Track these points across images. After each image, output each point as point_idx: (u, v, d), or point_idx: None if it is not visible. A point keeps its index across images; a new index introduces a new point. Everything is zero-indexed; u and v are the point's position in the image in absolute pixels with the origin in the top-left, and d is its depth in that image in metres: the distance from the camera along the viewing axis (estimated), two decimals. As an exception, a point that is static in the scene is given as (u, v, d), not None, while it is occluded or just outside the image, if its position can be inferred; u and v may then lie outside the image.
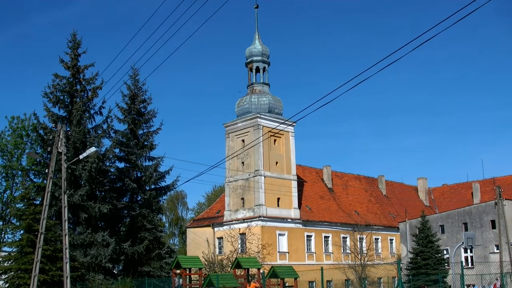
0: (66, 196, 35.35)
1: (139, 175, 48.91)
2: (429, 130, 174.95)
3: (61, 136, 34.86)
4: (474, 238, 49.51)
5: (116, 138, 48.10)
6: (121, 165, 49.14)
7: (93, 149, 36.96)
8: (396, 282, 18.29)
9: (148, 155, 49.65)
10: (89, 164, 42.79)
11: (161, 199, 51.70)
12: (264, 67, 70.49)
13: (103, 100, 47.64)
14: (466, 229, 59.92)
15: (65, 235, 34.68)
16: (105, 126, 47.49)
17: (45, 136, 45.91)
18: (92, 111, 47.51)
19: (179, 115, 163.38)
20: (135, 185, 47.39)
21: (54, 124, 44.88)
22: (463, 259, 57.13)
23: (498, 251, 56.59)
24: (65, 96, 46.52)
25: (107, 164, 47.36)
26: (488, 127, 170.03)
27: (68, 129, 44.78)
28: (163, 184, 50.10)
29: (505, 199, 58.35)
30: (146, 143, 49.57)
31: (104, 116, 47.48)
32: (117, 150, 48.31)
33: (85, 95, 46.87)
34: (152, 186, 49.40)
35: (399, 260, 24.31)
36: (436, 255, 58.76)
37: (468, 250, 58.74)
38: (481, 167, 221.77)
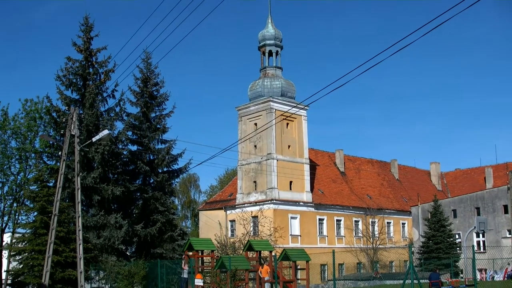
0: (79, 179, 35.57)
1: (151, 158, 49.04)
2: (442, 114, 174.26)
3: (74, 119, 35.01)
4: (486, 223, 49.46)
5: (128, 121, 48.20)
6: (134, 148, 49.34)
7: (105, 131, 37.13)
8: (408, 265, 18.26)
9: (160, 138, 49.78)
10: (102, 146, 42.96)
11: (173, 181, 51.87)
12: (277, 51, 70.31)
13: (116, 83, 47.78)
14: (478, 214, 59.85)
15: (78, 217, 34.94)
16: (117, 109, 47.63)
17: (58, 119, 46.08)
18: (104, 94, 47.66)
19: (192, 99, 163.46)
20: (148, 167, 47.54)
21: (67, 107, 45.02)
22: (475, 244, 57.01)
23: (510, 236, 56.54)
24: (78, 79, 46.64)
25: (120, 146, 47.52)
26: (502, 112, 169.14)
27: (81, 111, 44.93)
28: (175, 167, 50.28)
29: (517, 184, 58.20)
30: (158, 126, 49.67)
31: (117, 99, 47.64)
32: (129, 133, 48.48)
33: (98, 78, 46.95)
34: (165, 169, 49.53)
35: (411, 244, 24.29)
36: (448, 239, 58.80)
37: (480, 235, 58.68)
38: (494, 152, 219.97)
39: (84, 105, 45.49)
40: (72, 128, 34.91)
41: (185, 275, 30.53)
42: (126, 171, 47.64)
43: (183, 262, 31.46)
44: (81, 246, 34.82)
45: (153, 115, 49.97)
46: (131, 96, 49.18)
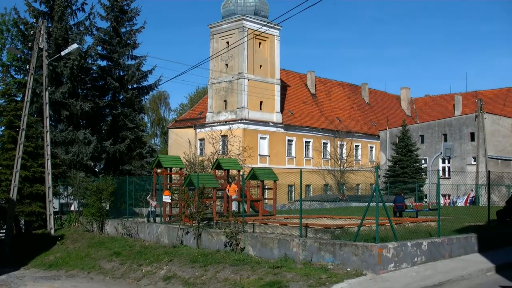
0: (47, 93, 35.23)
1: (121, 73, 48.50)
2: (414, 40, 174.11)
3: (42, 32, 34.37)
4: (452, 149, 50.17)
5: (98, 35, 47.43)
6: (103, 63, 48.71)
7: (75, 45, 36.59)
8: (373, 188, 18.52)
9: (130, 53, 49.14)
10: (71, 61, 42.32)
11: (143, 98, 51.56)
12: (252, -32, 69.08)
13: (86, -5, 46.68)
14: (445, 140, 60.61)
15: (47, 132, 34.79)
16: (87, 23, 46.71)
17: (26, 32, 45.08)
18: (74, 7, 46.51)
19: (163, 15, 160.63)
20: (117, 83, 47.09)
21: (35, 20, 44.01)
22: (440, 169, 58.00)
23: (475, 163, 57.48)
24: (47, -9, 45.43)
25: (89, 61, 46.87)
26: (474, 40, 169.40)
27: (50, 25, 43.94)
28: (145, 83, 49.81)
29: (486, 112, 58.82)
30: (128, 41, 48.96)
31: (87, 13, 46.60)
32: (99, 48, 47.74)
33: (67, -10, 45.79)
34: (135, 85, 49.09)
35: (377, 167, 24.58)
36: (414, 164, 59.74)
37: (446, 161, 59.59)
38: (464, 80, 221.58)
39: (52, 18, 44.48)
40: (40, 41, 34.30)
41: (153, 209, 30.78)
42: (95, 86, 47.11)
43: (150, 195, 31.59)
44: (49, 161, 34.79)
45: (123, 30, 49.17)
46: (101, 10, 48.41)
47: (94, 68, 47.70)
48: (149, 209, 31.20)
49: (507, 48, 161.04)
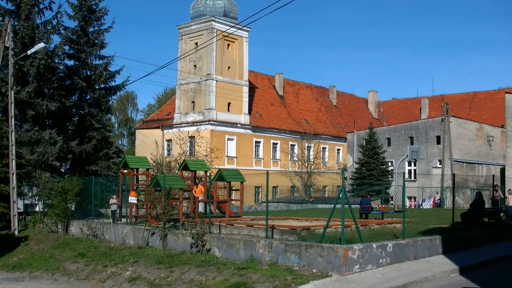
0: (12, 92, 34.83)
1: (88, 73, 48.07)
2: (382, 44, 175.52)
3: (8, 30, 34.02)
4: (418, 152, 50.65)
5: (66, 34, 46.95)
6: (71, 62, 48.20)
7: (41, 44, 36.23)
8: (339, 190, 18.65)
9: (98, 53, 48.73)
10: (37, 60, 41.81)
11: (110, 98, 51.11)
12: (221, -31, 69.06)
13: (53, -6, 46.15)
14: (412, 143, 61.13)
15: (12, 131, 34.39)
16: (54, 22, 46.13)
17: (-9, 30, 44.43)
18: (41, 6, 45.85)
19: (132, 15, 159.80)
20: (85, 83, 46.67)
21: (1, 18, 43.36)
22: (406, 171, 58.49)
23: (440, 166, 58.07)
24: (13, -11, 44.84)
25: (56, 61, 46.34)
26: (441, 45, 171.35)
27: (16, 23, 43.37)
28: (113, 83, 49.38)
29: (452, 116, 59.50)
30: (96, 41, 48.56)
31: (54, 12, 46.03)
32: (66, 47, 47.23)
33: (34, -12, 45.24)
34: (102, 86, 48.68)
35: (343, 169, 24.79)
36: (380, 166, 60.19)
37: (412, 164, 60.08)
38: (431, 84, 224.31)
39: (19, 16, 43.90)
40: (6, 39, 33.94)
41: (114, 208, 30.64)
42: (62, 86, 46.59)
43: (113, 197, 31.46)
44: (13, 161, 34.38)
45: (91, 29, 48.76)
46: (69, 9, 47.84)
47: (61, 67, 47.20)
48: (111, 209, 31.09)
49: (472, 53, 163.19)
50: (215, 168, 41.33)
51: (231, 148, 67.61)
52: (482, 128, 62.61)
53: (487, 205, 29.10)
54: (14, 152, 34.52)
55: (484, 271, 18.79)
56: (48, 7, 46.10)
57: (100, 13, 48.73)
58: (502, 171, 49.94)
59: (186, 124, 65.57)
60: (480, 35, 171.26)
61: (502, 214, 30.66)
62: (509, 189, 32.15)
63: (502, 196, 31.47)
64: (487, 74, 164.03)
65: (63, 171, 46.65)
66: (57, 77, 46.18)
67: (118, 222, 30.02)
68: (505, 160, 48.32)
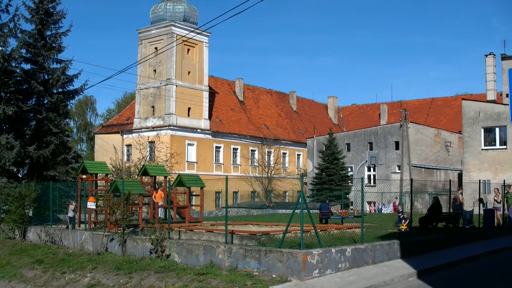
0: (-32, 96, 34.20)
1: (46, 77, 47.48)
2: (341, 50, 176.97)
3: (-37, 33, 33.43)
4: (377, 157, 51.10)
5: (23, 38, 46.26)
6: (28, 66, 47.49)
7: (-2, 48, 35.65)
8: (298, 195, 18.72)
9: (56, 57, 48.13)
10: (-7, 64, 41.19)
11: (68, 103, 50.51)
12: (181, -26, 68.97)
13: (10, -3, 45.49)
14: (371, 149, 61.68)
15: (-33, 135, 33.76)
16: (11, 25, 45.45)
17: None
18: (-2, 9, 45.33)
19: (91, 19, 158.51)
20: (42, 87, 46.08)
21: (-44, 20, 42.70)
22: (365, 177, 58.97)
23: (399, 171, 58.66)
24: (-32, -9, 44.11)
25: (13, 64, 45.61)
26: (399, 51, 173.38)
27: (-28, 26, 42.73)
28: (71, 88, 48.84)
29: (410, 121, 60.21)
30: (54, 44, 47.99)
31: (11, 15, 45.37)
32: (23, 51, 46.55)
33: (-10, -9, 44.57)
34: (60, 90, 48.11)
35: (302, 174, 24.91)
36: (340, 171, 60.60)
37: (372, 169, 60.64)
38: (390, 90, 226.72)
39: (-25, 19, 43.26)
40: (-39, 42, 33.36)
41: (70, 214, 30.34)
42: (19, 90, 45.91)
43: (72, 202, 31.17)
44: (-31, 165, 33.77)
45: (48, 33, 48.16)
46: (25, 12, 47.08)
47: (18, 71, 46.48)
48: (68, 215, 30.77)
49: (431, 60, 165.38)
50: (175, 173, 41.18)
51: (191, 153, 67.45)
52: (440, 134, 63.52)
53: (451, 209, 29.51)
54: (-31, 157, 33.93)
55: (441, 274, 19.03)
56: (5, 10, 45.43)
57: (58, 16, 48.15)
58: (460, 176, 50.72)
59: (146, 129, 65.24)
60: (439, 42, 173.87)
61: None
62: (460, 192, 32.72)
63: (462, 201, 31.91)
64: (444, 81, 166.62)
65: (20, 176, 45.96)
66: (14, 81, 45.44)
67: (78, 228, 29.67)
68: (462, 165, 49.14)
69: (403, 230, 26.43)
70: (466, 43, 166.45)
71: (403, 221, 28.28)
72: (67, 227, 29.80)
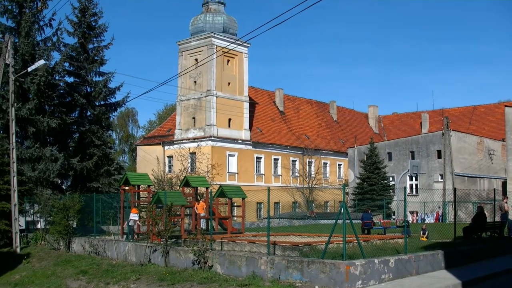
0: (13, 109, 34.87)
1: (88, 90, 48.20)
2: (382, 58, 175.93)
3: (9, 47, 34.10)
4: (419, 167, 50.56)
5: (65, 51, 46.99)
6: (71, 79, 48.29)
7: (42, 61, 36.24)
8: (341, 205, 18.63)
9: (98, 70, 48.83)
10: (37, 77, 41.88)
11: (111, 115, 51.23)
12: (220, -14, 69.47)
13: (53, 12, 46.47)
14: (412, 158, 61.04)
15: (13, 148, 34.36)
16: (54, 39, 46.24)
17: (-8, 47, 44.51)
18: (41, 23, 46.00)
19: (132, 31, 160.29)
20: (85, 100, 46.75)
21: (1, 35, 43.49)
22: (407, 186, 58.39)
23: (442, 180, 57.94)
24: (14, 6, 44.90)
25: (57, 78, 46.38)
26: (440, 59, 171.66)
27: (17, 40, 43.50)
28: (113, 100, 49.55)
29: (452, 130, 59.49)
30: (96, 57, 48.67)
31: (54, 29, 46.18)
32: (66, 64, 47.32)
33: (35, 5, 45.31)
34: (102, 102, 48.80)
35: (344, 184, 24.71)
36: (382, 181, 60.04)
37: (413, 178, 60.00)
38: (431, 98, 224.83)
39: (19, 33, 44.04)
40: (6, 57, 34.02)
41: (131, 223, 30.33)
42: (62, 103, 46.65)
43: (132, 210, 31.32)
44: (15, 178, 34.33)
45: (90, 46, 48.91)
46: (68, 26, 47.89)
47: (61, 84, 47.24)
48: (129, 224, 30.45)
49: (472, 67, 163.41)
50: (216, 184, 41.27)
51: (232, 164, 67.60)
52: (483, 142, 62.60)
53: (497, 218, 29.05)
54: (15, 169, 34.49)
55: (486, 285, 18.73)
56: (48, 24, 46.28)
57: (100, 29, 48.88)
58: (504, 184, 49.88)
59: (187, 140, 65.62)
60: (480, 49, 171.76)
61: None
62: (505, 201, 32.10)
63: (507, 209, 31.35)
64: (487, 88, 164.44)
65: (64, 188, 46.60)
66: (57, 94, 46.21)
67: (132, 239, 29.54)
68: (507, 174, 48.32)
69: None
70: (509, 48, 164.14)
71: (421, 232, 28.25)
72: (131, 237, 29.58)
